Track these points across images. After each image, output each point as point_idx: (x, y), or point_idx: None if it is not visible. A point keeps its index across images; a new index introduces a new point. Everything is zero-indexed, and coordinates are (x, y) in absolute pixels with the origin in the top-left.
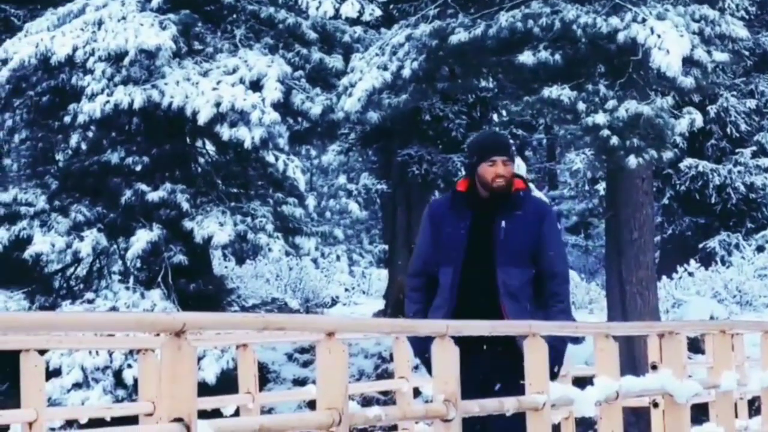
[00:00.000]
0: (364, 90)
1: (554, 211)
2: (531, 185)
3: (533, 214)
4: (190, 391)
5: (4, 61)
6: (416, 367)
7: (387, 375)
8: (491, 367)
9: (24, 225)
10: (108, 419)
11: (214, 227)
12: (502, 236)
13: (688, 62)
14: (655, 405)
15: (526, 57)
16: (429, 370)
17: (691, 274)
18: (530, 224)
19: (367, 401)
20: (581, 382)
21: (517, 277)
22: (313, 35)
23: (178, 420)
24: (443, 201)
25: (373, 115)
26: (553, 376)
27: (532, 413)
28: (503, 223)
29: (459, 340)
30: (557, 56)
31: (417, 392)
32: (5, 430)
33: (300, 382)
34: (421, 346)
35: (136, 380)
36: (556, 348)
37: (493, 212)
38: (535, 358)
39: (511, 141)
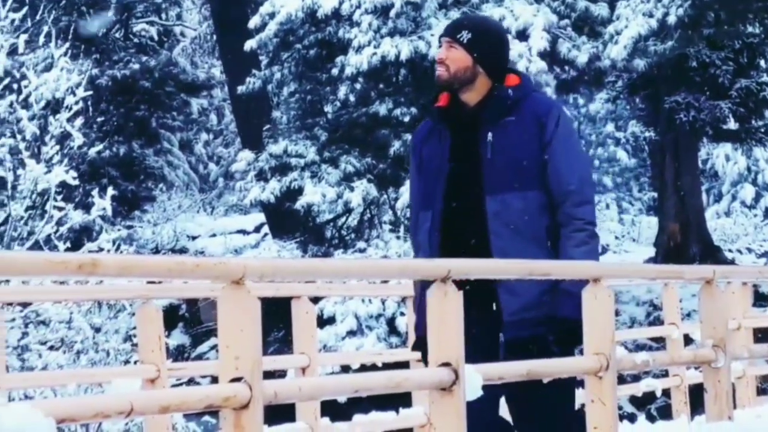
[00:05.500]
0: (630, 37)
1: (565, 112)
2: (532, 81)
3: (532, 117)
4: (457, 336)
5: (272, 15)
6: (688, 315)
7: (658, 322)
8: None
9: (295, 176)
10: (379, 365)
11: None
12: (489, 154)
13: None
14: None
15: None
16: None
17: None
18: (528, 131)
19: (639, 348)
20: None
21: (516, 205)
22: None
23: (446, 364)
24: (424, 124)
25: (640, 63)
26: (571, 337)
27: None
28: (490, 136)
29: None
30: None
31: (688, 340)
32: (283, 375)
33: None
34: (421, 297)
35: None
36: (570, 291)
37: (476, 124)
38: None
39: (478, 22)
